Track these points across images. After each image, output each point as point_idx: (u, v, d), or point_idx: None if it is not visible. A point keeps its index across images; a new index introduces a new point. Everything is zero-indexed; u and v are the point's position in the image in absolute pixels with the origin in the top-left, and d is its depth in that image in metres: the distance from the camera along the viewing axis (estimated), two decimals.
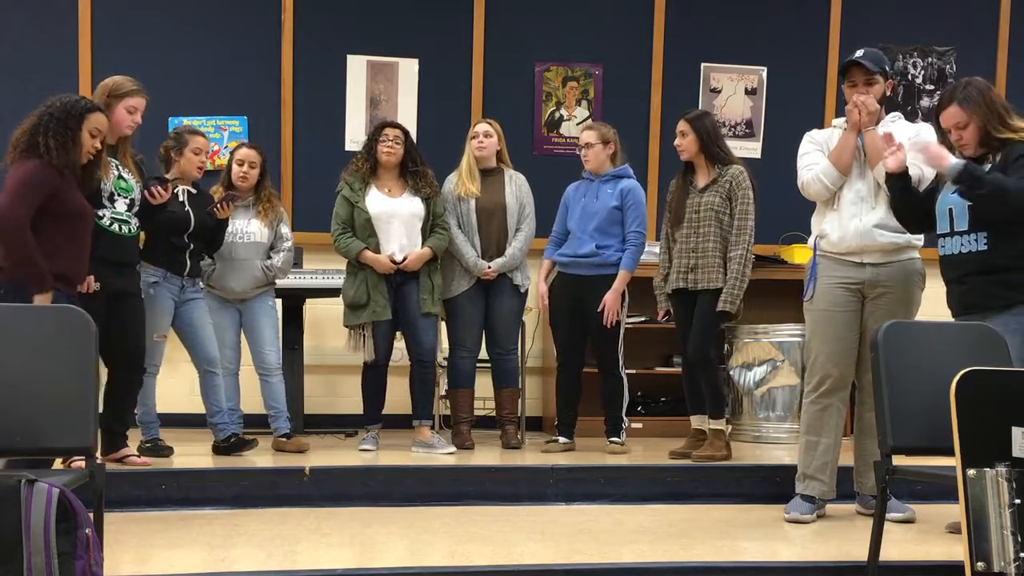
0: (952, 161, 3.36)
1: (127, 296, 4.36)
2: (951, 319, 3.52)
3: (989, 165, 3.44)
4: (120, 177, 4.30)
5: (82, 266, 3.83)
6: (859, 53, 3.87)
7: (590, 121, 6.24)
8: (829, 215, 3.90)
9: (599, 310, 4.93)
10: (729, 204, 4.72)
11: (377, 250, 4.93)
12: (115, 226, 4.23)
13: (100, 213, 4.15)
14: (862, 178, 3.85)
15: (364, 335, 4.93)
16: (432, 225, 5.04)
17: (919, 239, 3.84)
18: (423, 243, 5.00)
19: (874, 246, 3.80)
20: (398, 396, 5.09)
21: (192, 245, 4.72)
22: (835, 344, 3.84)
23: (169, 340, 4.78)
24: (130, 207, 4.31)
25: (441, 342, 5.37)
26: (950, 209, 3.47)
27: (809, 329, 3.96)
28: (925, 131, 3.85)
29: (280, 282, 5.17)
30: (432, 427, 5.19)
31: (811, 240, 4.00)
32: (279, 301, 5.30)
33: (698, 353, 4.72)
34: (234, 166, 5.04)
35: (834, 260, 3.88)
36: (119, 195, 4.27)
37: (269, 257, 5.03)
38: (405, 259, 4.93)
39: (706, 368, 4.74)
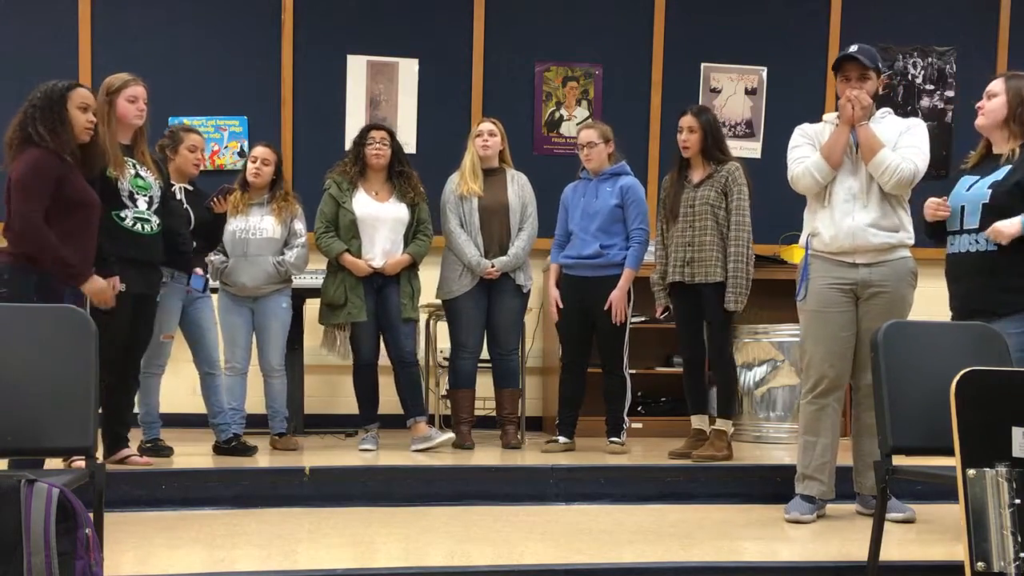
0: (1019, 225, 3.35)
1: (146, 300, 4.35)
2: (948, 319, 3.51)
3: (1009, 167, 3.44)
4: (137, 175, 4.28)
5: (88, 258, 3.81)
6: (853, 48, 3.84)
7: (589, 120, 6.23)
8: (821, 213, 3.86)
9: (606, 309, 4.94)
10: (725, 199, 4.72)
11: (359, 252, 4.94)
12: (138, 226, 4.21)
13: (122, 214, 4.16)
14: (854, 175, 3.82)
15: (339, 335, 4.95)
16: (414, 231, 5.05)
17: (911, 238, 3.82)
18: (405, 248, 5.01)
19: (867, 246, 3.77)
20: (394, 396, 5.09)
21: (194, 243, 4.72)
22: (830, 345, 3.81)
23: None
24: (150, 204, 4.29)
25: (441, 342, 5.37)
26: (962, 207, 3.46)
27: (803, 329, 3.93)
28: (916, 126, 3.85)
29: None
30: (431, 426, 5.19)
31: (802, 238, 3.97)
32: None
33: (720, 354, 4.77)
34: (248, 163, 5.09)
35: (826, 260, 3.85)
36: (138, 193, 4.25)
37: (282, 254, 5.03)
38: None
39: (728, 368, 4.80)
